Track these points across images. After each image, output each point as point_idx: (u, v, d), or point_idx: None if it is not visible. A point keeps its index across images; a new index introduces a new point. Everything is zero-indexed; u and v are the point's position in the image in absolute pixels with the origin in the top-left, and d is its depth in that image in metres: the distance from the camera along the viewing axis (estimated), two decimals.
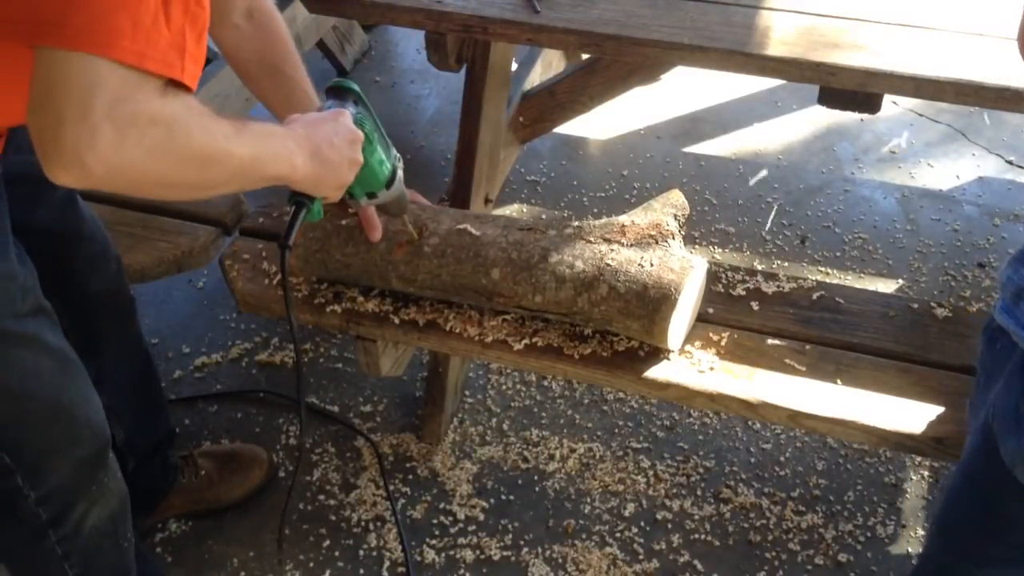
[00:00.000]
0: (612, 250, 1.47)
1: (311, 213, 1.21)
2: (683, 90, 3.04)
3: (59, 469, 1.25)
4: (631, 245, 1.47)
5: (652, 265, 1.43)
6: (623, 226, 1.50)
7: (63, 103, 0.81)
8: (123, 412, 1.61)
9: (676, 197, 1.56)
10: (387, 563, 1.81)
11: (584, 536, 1.85)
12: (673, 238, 1.49)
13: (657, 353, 1.51)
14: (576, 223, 1.54)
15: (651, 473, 1.95)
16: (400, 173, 1.34)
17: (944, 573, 1.35)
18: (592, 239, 1.49)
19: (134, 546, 1.47)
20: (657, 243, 1.47)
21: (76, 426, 1.25)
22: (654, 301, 1.41)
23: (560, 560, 1.81)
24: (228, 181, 1.01)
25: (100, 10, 0.80)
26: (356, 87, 1.24)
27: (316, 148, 1.11)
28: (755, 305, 1.61)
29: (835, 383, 1.48)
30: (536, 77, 2.45)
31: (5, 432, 1.17)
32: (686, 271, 1.42)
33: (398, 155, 1.36)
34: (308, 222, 1.25)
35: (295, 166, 1.08)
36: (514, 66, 2.27)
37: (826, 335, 1.56)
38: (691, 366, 1.50)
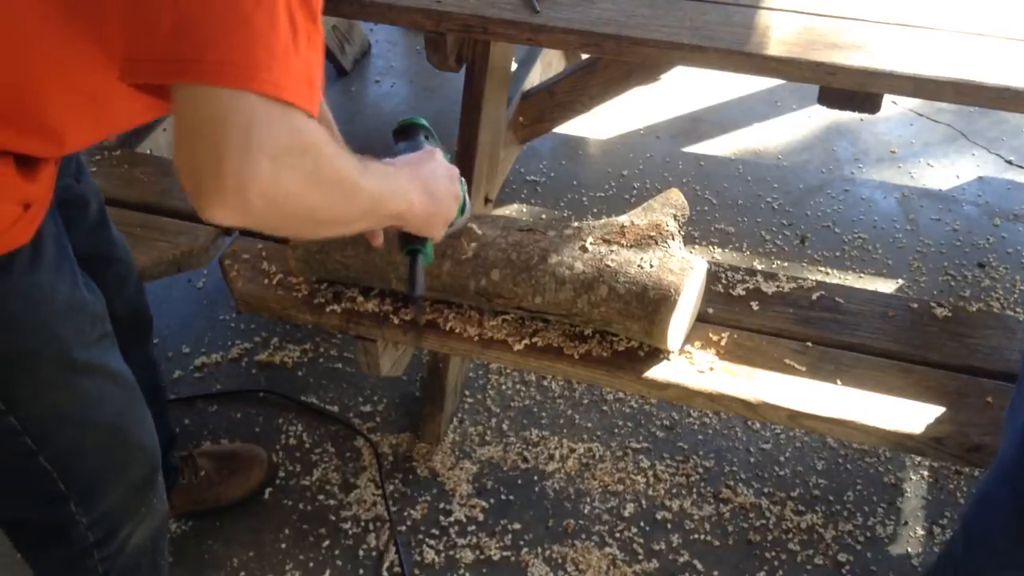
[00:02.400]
0: (612, 251, 1.47)
1: (427, 258, 1.23)
2: (683, 90, 3.04)
3: (112, 493, 1.25)
4: (631, 246, 1.47)
5: (652, 266, 1.43)
6: (623, 227, 1.50)
7: (220, 139, 0.80)
8: None
9: (676, 197, 1.56)
10: (386, 563, 1.81)
11: (584, 536, 1.85)
12: (673, 239, 1.49)
13: (657, 353, 1.51)
14: (576, 224, 1.55)
15: (651, 473, 1.95)
16: (467, 196, 1.33)
17: (966, 574, 1.34)
18: (592, 240, 1.49)
19: (167, 564, 1.47)
20: (657, 244, 1.47)
21: (131, 450, 1.25)
22: (654, 302, 1.41)
23: (560, 560, 1.81)
24: (361, 217, 1.01)
25: (237, 43, 0.79)
26: (425, 122, 1.26)
27: (424, 186, 1.12)
28: (755, 305, 1.61)
29: (835, 383, 1.48)
30: (536, 77, 2.45)
31: (64, 460, 1.16)
32: (686, 272, 1.42)
33: (462, 178, 1.36)
34: (425, 265, 1.27)
35: (411, 203, 1.08)
36: (514, 66, 2.27)
37: (826, 335, 1.56)
38: (691, 366, 1.50)
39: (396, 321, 1.56)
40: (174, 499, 1.79)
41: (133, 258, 1.53)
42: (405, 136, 1.25)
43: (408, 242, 1.22)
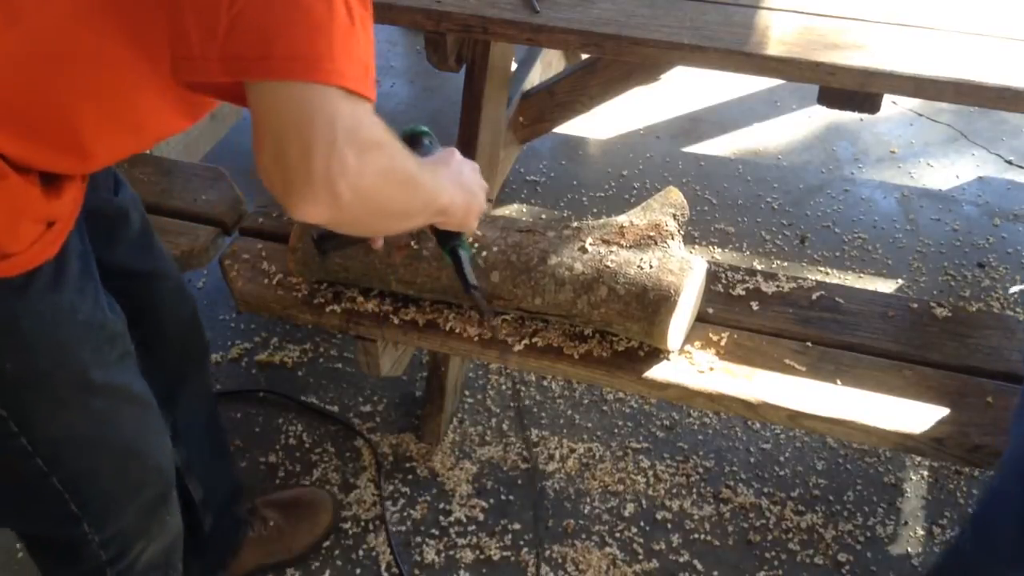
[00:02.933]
0: (611, 251, 1.46)
1: (466, 251, 1.25)
2: (683, 90, 3.04)
3: (125, 514, 1.24)
4: (630, 246, 1.47)
5: (651, 267, 1.43)
6: (622, 227, 1.50)
7: (306, 134, 0.80)
8: (197, 465, 1.53)
9: (675, 196, 1.55)
10: (385, 563, 1.81)
11: (584, 536, 1.85)
12: (672, 239, 1.49)
13: (657, 353, 1.51)
14: (575, 224, 1.54)
15: (651, 473, 1.95)
16: None
17: (973, 570, 1.34)
18: (591, 240, 1.49)
19: None
20: (656, 244, 1.47)
21: (146, 471, 1.23)
22: (653, 303, 1.41)
23: (560, 560, 1.81)
24: (422, 209, 1.03)
25: (300, 36, 0.79)
26: (428, 129, 1.27)
27: (459, 180, 1.14)
28: (755, 305, 1.61)
29: (835, 383, 1.48)
30: (536, 77, 2.45)
31: (77, 482, 1.15)
32: (685, 272, 1.42)
33: None
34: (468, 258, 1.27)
35: (453, 197, 1.10)
36: (514, 66, 2.27)
37: (826, 335, 1.56)
38: (691, 366, 1.50)
39: (396, 321, 1.56)
40: (244, 554, 1.72)
41: (180, 275, 1.48)
42: (411, 146, 1.25)
43: (445, 240, 1.24)
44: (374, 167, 0.85)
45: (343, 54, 0.81)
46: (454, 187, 1.11)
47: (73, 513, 1.17)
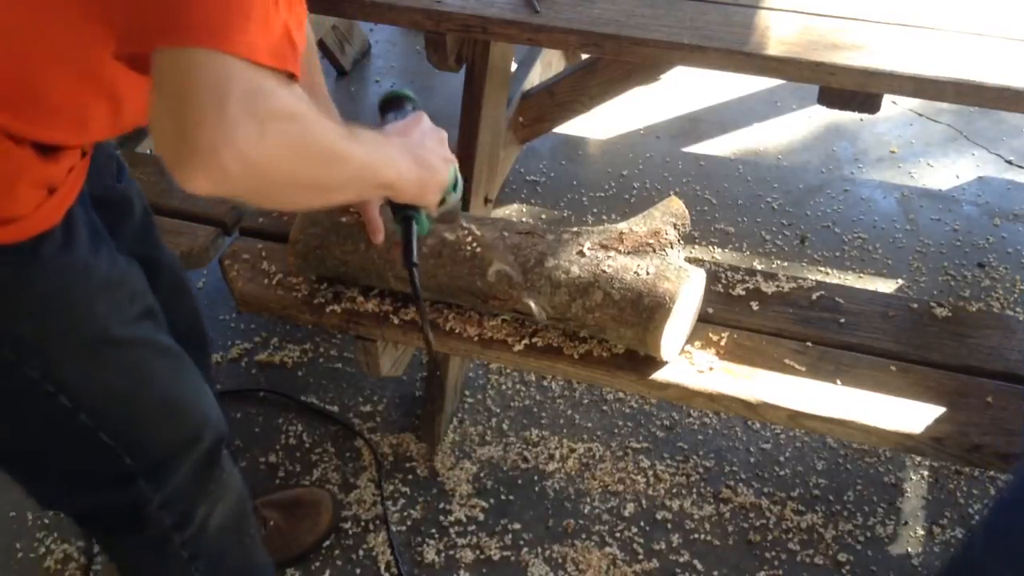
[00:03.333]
0: (609, 256, 1.46)
1: (420, 226, 1.19)
2: (683, 90, 3.04)
3: (179, 468, 1.22)
4: (628, 252, 1.47)
5: (648, 273, 1.43)
6: (621, 233, 1.50)
7: (197, 101, 0.77)
8: None
9: (676, 206, 1.55)
10: (385, 563, 1.81)
11: (584, 536, 1.85)
12: (671, 247, 1.49)
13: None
14: (574, 228, 1.54)
15: (651, 473, 1.95)
16: (459, 175, 1.29)
17: None
18: (589, 245, 1.49)
19: (257, 541, 1.44)
20: (655, 251, 1.47)
21: (193, 422, 1.22)
22: (648, 309, 1.41)
23: (560, 560, 1.81)
24: (347, 184, 0.98)
25: (212, 6, 0.78)
26: (411, 93, 1.23)
27: (414, 152, 1.09)
28: (755, 305, 1.61)
29: (835, 383, 1.48)
30: (536, 77, 2.45)
31: (125, 434, 1.14)
32: (682, 280, 1.42)
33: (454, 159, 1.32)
34: (420, 235, 1.23)
35: (400, 171, 1.06)
36: (514, 66, 2.27)
37: (826, 335, 1.56)
38: (691, 366, 1.50)
39: (396, 321, 1.56)
40: None
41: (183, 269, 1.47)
42: (392, 108, 1.23)
43: (400, 209, 1.19)
44: (278, 139, 0.81)
45: (257, 26, 0.79)
46: (406, 161, 1.07)
47: (127, 467, 1.16)
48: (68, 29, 0.91)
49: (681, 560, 1.81)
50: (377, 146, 1.03)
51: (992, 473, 1.93)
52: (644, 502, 1.91)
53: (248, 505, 1.41)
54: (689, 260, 1.54)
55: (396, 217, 1.20)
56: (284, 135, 0.82)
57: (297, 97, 0.85)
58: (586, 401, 2.10)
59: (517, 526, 1.87)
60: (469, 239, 1.49)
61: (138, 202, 1.34)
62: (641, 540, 1.84)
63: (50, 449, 1.14)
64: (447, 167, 1.17)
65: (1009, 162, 2.79)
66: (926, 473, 1.95)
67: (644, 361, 1.50)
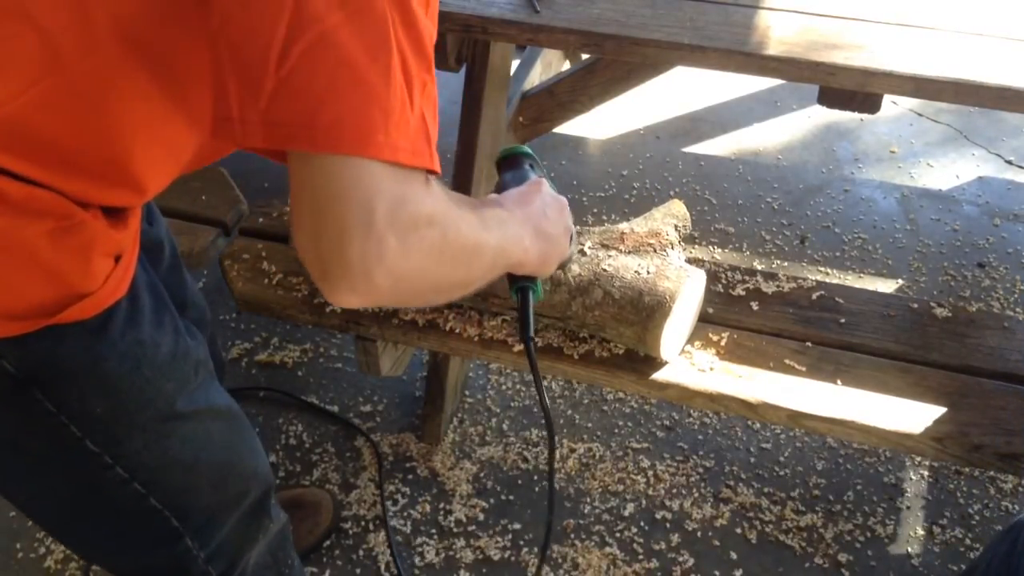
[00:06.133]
0: (609, 256, 1.46)
1: (536, 296, 1.15)
2: (683, 90, 3.04)
3: (227, 523, 1.20)
4: (629, 252, 1.47)
5: (648, 272, 1.43)
6: (622, 233, 1.50)
7: (342, 215, 0.72)
8: None
9: (678, 207, 1.56)
10: (384, 563, 1.81)
11: (584, 536, 1.85)
12: (672, 248, 1.49)
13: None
14: (575, 228, 1.54)
15: (651, 473, 1.95)
16: (572, 224, 1.22)
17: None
18: (590, 244, 1.49)
19: (297, 567, 1.42)
20: (655, 252, 1.47)
21: (244, 480, 1.20)
22: (648, 308, 1.41)
23: (560, 560, 1.81)
24: (484, 276, 0.93)
25: (349, 104, 0.71)
26: (529, 150, 1.19)
27: (537, 225, 1.04)
28: (755, 305, 1.61)
29: (835, 383, 1.48)
30: (536, 77, 2.45)
31: (175, 499, 1.11)
32: (682, 280, 1.42)
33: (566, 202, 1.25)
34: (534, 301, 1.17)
35: (526, 248, 1.01)
36: (514, 66, 2.27)
37: (826, 335, 1.56)
38: (691, 366, 1.50)
39: (396, 321, 1.57)
40: None
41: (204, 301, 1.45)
42: (509, 166, 1.17)
43: (516, 280, 1.13)
44: (421, 247, 0.77)
45: (396, 124, 0.73)
46: (530, 236, 1.02)
47: (174, 529, 1.13)
48: (149, 103, 0.87)
49: (681, 560, 1.81)
50: (504, 226, 0.97)
51: (992, 473, 1.94)
52: (644, 502, 1.91)
53: (288, 536, 1.38)
54: (689, 260, 1.54)
55: (512, 288, 1.15)
56: (426, 242, 0.78)
57: (435, 197, 0.79)
58: (586, 401, 2.10)
59: (517, 526, 1.87)
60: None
61: (167, 243, 1.31)
62: (641, 540, 1.84)
63: (97, 515, 1.11)
64: (567, 238, 1.12)
65: (1009, 162, 2.79)
66: (926, 473, 1.95)
67: (644, 361, 1.50)
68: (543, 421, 2.05)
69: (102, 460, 1.02)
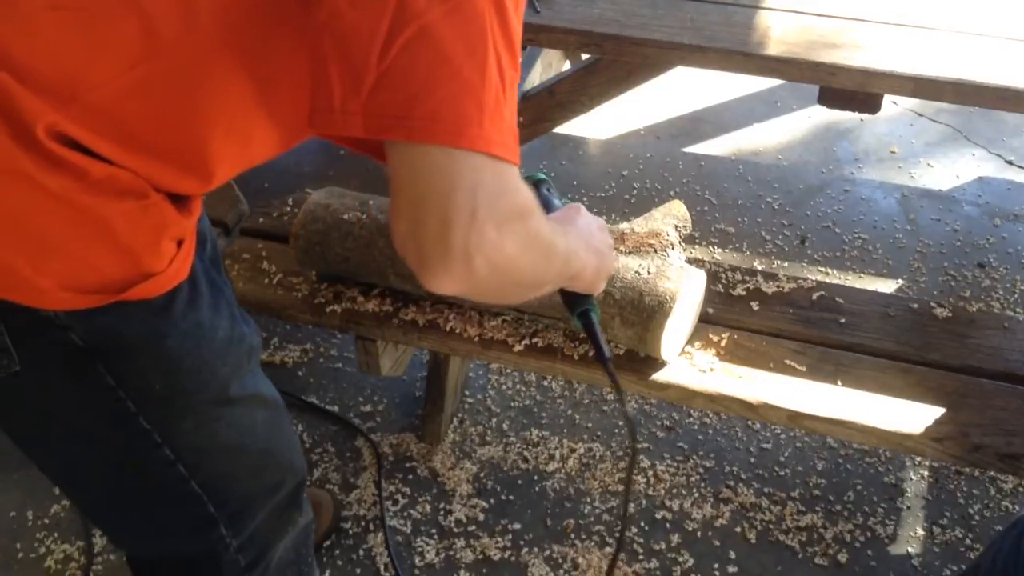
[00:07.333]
0: None
1: (597, 315, 1.15)
2: (683, 90, 3.04)
3: (260, 513, 1.21)
4: (629, 252, 1.47)
5: (649, 273, 1.43)
6: (623, 233, 1.50)
7: (444, 204, 0.75)
8: None
9: (678, 208, 1.56)
10: (384, 563, 1.81)
11: (584, 536, 1.85)
12: (672, 248, 1.49)
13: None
14: None
15: (651, 473, 1.95)
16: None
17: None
18: None
19: (313, 567, 1.43)
20: (656, 252, 1.47)
21: (281, 470, 1.22)
22: (648, 308, 1.41)
23: (560, 560, 1.81)
24: (555, 278, 0.96)
25: (448, 97, 0.74)
26: (545, 176, 1.22)
27: (588, 242, 1.07)
28: (755, 305, 1.61)
29: (835, 383, 1.48)
30: (536, 77, 2.45)
31: (215, 484, 1.13)
32: (683, 280, 1.42)
33: None
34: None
35: (583, 260, 1.03)
36: None
37: (826, 335, 1.56)
38: (691, 366, 1.50)
39: (396, 321, 1.57)
40: None
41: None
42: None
43: (575, 304, 1.14)
44: (515, 238, 0.80)
45: (490, 118, 0.76)
46: (585, 250, 1.04)
47: (210, 515, 1.14)
48: (231, 89, 0.88)
49: (681, 560, 1.81)
50: (567, 236, 0.99)
51: (992, 473, 1.94)
52: (644, 502, 1.91)
53: (311, 535, 1.39)
54: (689, 261, 1.54)
55: (574, 314, 1.16)
56: (519, 234, 0.81)
57: (527, 191, 0.82)
58: (586, 401, 2.10)
59: (517, 526, 1.87)
60: None
61: (210, 237, 1.31)
62: (641, 540, 1.84)
63: (137, 496, 1.12)
64: (611, 252, 1.15)
65: (1009, 162, 2.79)
66: (926, 473, 1.95)
67: (644, 361, 1.50)
68: (543, 421, 2.05)
69: (152, 438, 1.03)
